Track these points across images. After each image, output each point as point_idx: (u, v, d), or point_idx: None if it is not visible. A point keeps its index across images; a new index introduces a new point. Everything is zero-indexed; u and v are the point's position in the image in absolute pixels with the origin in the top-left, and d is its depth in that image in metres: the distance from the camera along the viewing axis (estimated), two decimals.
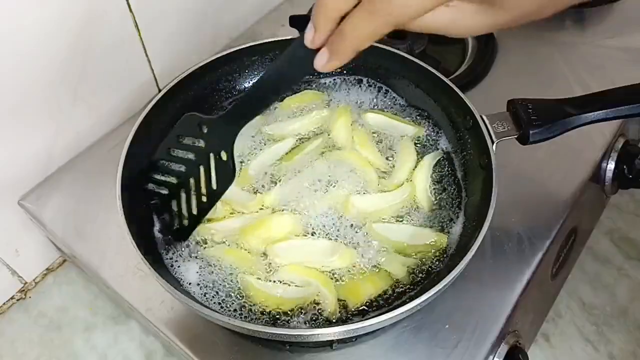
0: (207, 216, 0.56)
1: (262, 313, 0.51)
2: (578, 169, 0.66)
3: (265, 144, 0.63)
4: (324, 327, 0.49)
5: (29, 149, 0.63)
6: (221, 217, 0.56)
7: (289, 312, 0.51)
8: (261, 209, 0.57)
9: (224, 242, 0.55)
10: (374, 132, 0.65)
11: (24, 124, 0.61)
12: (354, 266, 0.53)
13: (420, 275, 0.53)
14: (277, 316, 0.51)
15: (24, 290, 0.69)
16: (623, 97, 0.55)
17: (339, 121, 0.64)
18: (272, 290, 0.51)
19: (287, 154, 0.62)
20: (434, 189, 0.60)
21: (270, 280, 0.52)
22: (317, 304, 0.51)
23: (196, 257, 0.54)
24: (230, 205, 0.57)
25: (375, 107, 0.68)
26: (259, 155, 0.62)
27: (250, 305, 0.51)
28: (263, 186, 0.59)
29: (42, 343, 0.65)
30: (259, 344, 0.53)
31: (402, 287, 0.52)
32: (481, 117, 0.57)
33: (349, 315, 0.51)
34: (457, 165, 0.61)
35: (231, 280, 0.53)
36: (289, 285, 0.52)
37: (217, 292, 0.52)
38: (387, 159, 0.62)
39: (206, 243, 0.55)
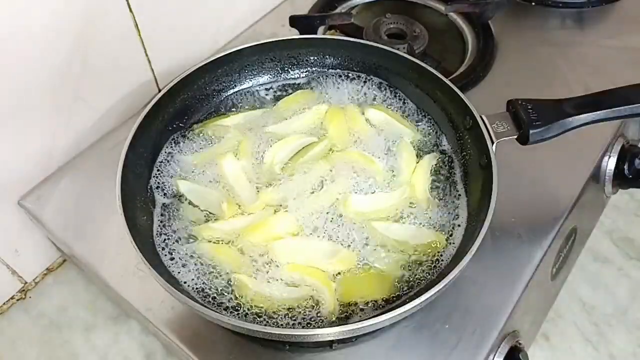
0: (213, 215, 0.57)
1: (261, 313, 0.51)
2: (578, 169, 0.66)
3: (271, 145, 0.63)
4: (324, 327, 0.49)
5: (29, 149, 0.63)
6: (226, 217, 0.56)
7: (287, 312, 0.51)
8: (263, 210, 0.57)
9: (221, 242, 0.55)
10: (373, 127, 0.65)
11: (24, 124, 0.61)
12: (352, 268, 0.53)
13: (420, 275, 0.53)
14: (277, 316, 0.51)
15: (24, 290, 0.69)
16: (623, 97, 0.55)
17: (333, 122, 0.64)
18: (266, 291, 0.51)
19: (291, 157, 0.62)
20: (433, 189, 0.60)
21: (266, 280, 0.52)
22: (316, 303, 0.51)
23: (195, 257, 0.54)
24: (237, 206, 0.57)
25: (376, 103, 0.68)
26: (279, 151, 0.62)
27: (249, 305, 0.51)
28: (265, 186, 0.60)
29: (42, 343, 0.65)
30: (258, 344, 0.53)
31: (401, 288, 0.52)
32: (481, 117, 0.57)
33: (347, 315, 0.51)
34: (457, 165, 0.61)
35: (229, 280, 0.53)
36: (285, 284, 0.52)
37: (216, 292, 0.52)
38: (385, 157, 0.62)
39: (206, 242, 0.55)
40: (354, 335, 0.47)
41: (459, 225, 0.56)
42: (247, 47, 0.66)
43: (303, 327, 0.50)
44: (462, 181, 0.60)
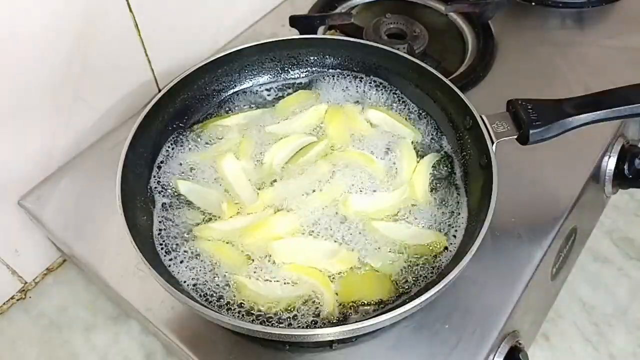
0: (213, 215, 0.57)
1: (261, 313, 0.51)
2: (578, 169, 0.66)
3: (271, 145, 0.63)
4: (324, 327, 0.49)
5: (29, 149, 0.63)
6: (226, 217, 0.56)
7: (287, 312, 0.51)
8: (263, 210, 0.57)
9: (221, 242, 0.55)
10: (372, 127, 0.65)
11: (24, 124, 0.61)
12: (352, 268, 0.53)
13: (420, 275, 0.53)
14: (277, 316, 0.51)
15: (24, 290, 0.69)
16: (623, 97, 0.55)
17: (333, 122, 0.64)
18: (266, 291, 0.51)
19: (291, 157, 0.62)
20: (433, 189, 0.60)
21: (266, 280, 0.52)
22: (316, 303, 0.51)
23: (195, 257, 0.54)
24: (237, 206, 0.58)
25: (376, 103, 0.68)
26: (279, 151, 0.62)
27: (249, 305, 0.51)
28: (265, 186, 0.60)
29: (42, 343, 0.65)
30: (258, 344, 0.53)
31: (401, 288, 0.52)
32: (481, 117, 0.57)
33: (347, 315, 0.51)
34: (457, 165, 0.61)
35: (228, 280, 0.53)
36: (285, 284, 0.52)
37: (215, 292, 0.52)
38: (385, 157, 0.62)
39: (206, 242, 0.55)
40: (354, 335, 0.47)
41: (459, 226, 0.56)
42: (247, 47, 0.66)
43: (303, 327, 0.50)
44: (462, 181, 0.60)
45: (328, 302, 0.51)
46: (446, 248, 0.55)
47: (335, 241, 0.55)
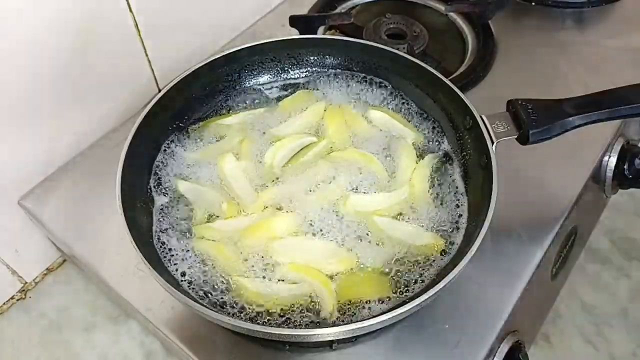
0: (213, 215, 0.57)
1: (261, 313, 0.51)
2: (578, 169, 0.66)
3: (271, 145, 0.63)
4: (324, 327, 0.49)
5: (29, 149, 0.63)
6: (226, 218, 0.56)
7: (287, 312, 0.51)
8: (263, 210, 0.57)
9: (221, 242, 0.55)
10: (372, 127, 0.65)
11: (24, 124, 0.61)
12: (352, 268, 0.53)
13: (420, 275, 0.53)
14: (277, 316, 0.51)
15: (24, 290, 0.69)
16: (623, 97, 0.55)
17: (333, 122, 0.64)
18: (266, 291, 0.51)
19: (291, 158, 0.62)
20: (433, 189, 0.60)
21: (266, 280, 0.52)
22: (316, 303, 0.51)
23: (195, 257, 0.54)
24: (237, 206, 0.58)
25: (376, 103, 0.68)
26: (279, 151, 0.62)
27: (249, 305, 0.51)
28: (265, 186, 0.60)
29: (42, 343, 0.65)
30: (258, 344, 0.53)
31: (401, 288, 0.52)
32: (481, 117, 0.57)
33: (347, 315, 0.51)
34: (457, 165, 0.61)
35: (228, 280, 0.53)
36: (285, 284, 0.52)
37: (215, 292, 0.52)
38: (385, 157, 0.62)
39: (205, 242, 0.55)
40: (354, 335, 0.47)
41: (458, 226, 0.56)
42: (247, 47, 0.66)
43: (303, 327, 0.50)
44: (462, 181, 0.60)
45: (328, 302, 0.51)
46: (446, 248, 0.55)
47: (334, 241, 0.55)
